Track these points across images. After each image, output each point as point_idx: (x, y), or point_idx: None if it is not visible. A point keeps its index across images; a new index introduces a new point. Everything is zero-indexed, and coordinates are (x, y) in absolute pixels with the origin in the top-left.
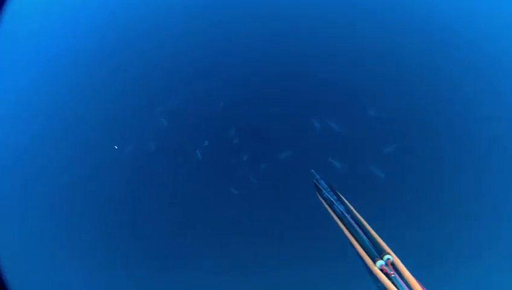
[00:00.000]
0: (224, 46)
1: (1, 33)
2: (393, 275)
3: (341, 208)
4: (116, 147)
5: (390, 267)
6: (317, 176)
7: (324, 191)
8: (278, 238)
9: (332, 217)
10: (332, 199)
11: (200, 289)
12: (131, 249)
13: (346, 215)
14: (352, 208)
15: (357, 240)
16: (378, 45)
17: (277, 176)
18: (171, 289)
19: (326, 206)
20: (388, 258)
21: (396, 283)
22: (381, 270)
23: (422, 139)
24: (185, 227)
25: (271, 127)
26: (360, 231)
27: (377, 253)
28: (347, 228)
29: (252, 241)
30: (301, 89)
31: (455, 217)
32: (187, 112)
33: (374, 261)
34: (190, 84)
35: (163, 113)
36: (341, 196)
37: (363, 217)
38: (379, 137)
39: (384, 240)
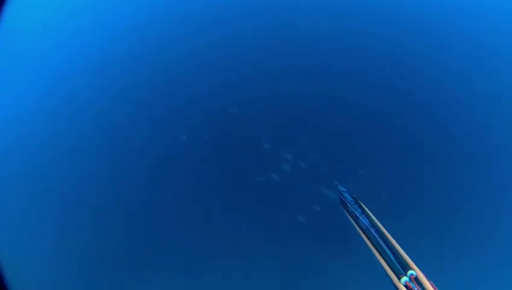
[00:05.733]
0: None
1: (1, 33)
2: None
3: (366, 221)
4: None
5: (415, 282)
6: (342, 189)
7: (349, 204)
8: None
9: (357, 231)
10: (356, 212)
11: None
12: (132, 250)
13: (371, 229)
14: (377, 221)
15: (381, 255)
16: None
17: None
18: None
19: (352, 220)
20: (412, 274)
21: None
22: (406, 286)
23: None
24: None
25: None
26: (384, 246)
27: (401, 268)
28: (371, 243)
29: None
30: None
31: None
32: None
33: (399, 278)
34: None
35: None
36: (365, 209)
37: (388, 230)
38: None
39: (407, 253)
